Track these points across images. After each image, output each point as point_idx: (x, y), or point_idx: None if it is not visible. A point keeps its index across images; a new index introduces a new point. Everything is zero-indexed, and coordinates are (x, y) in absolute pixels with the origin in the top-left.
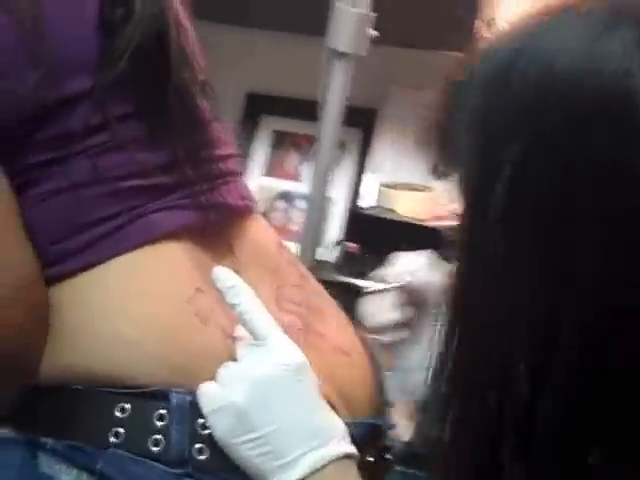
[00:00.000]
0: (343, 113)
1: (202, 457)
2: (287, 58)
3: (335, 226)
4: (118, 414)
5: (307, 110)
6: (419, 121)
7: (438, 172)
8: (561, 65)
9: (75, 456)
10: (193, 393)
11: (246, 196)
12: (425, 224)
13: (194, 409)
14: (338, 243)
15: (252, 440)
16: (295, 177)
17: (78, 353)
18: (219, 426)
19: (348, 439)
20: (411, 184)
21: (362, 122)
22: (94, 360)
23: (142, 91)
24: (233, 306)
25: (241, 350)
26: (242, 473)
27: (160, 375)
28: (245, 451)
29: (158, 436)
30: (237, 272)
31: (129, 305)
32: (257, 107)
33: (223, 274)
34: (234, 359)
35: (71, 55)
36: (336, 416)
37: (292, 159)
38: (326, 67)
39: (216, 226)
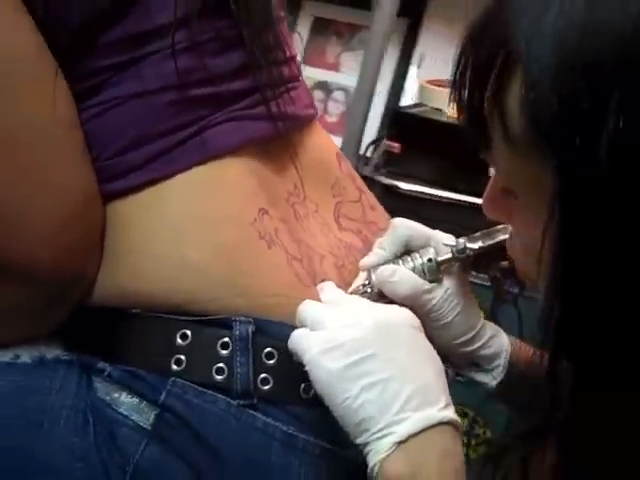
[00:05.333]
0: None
1: (266, 387)
2: None
3: (375, 123)
4: (180, 341)
5: None
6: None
7: None
8: None
9: (135, 384)
10: (257, 321)
11: (310, 103)
12: None
13: (258, 338)
14: (376, 141)
15: (367, 386)
16: (335, 67)
17: (137, 276)
18: (328, 365)
19: (452, 407)
20: None
21: (409, 11)
22: (153, 284)
23: None
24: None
25: (333, 293)
26: (308, 406)
27: (223, 300)
28: (354, 392)
29: (222, 365)
30: (300, 189)
31: (192, 227)
32: None
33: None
34: (300, 281)
35: None
36: (446, 380)
37: (332, 48)
38: None
39: (282, 138)
